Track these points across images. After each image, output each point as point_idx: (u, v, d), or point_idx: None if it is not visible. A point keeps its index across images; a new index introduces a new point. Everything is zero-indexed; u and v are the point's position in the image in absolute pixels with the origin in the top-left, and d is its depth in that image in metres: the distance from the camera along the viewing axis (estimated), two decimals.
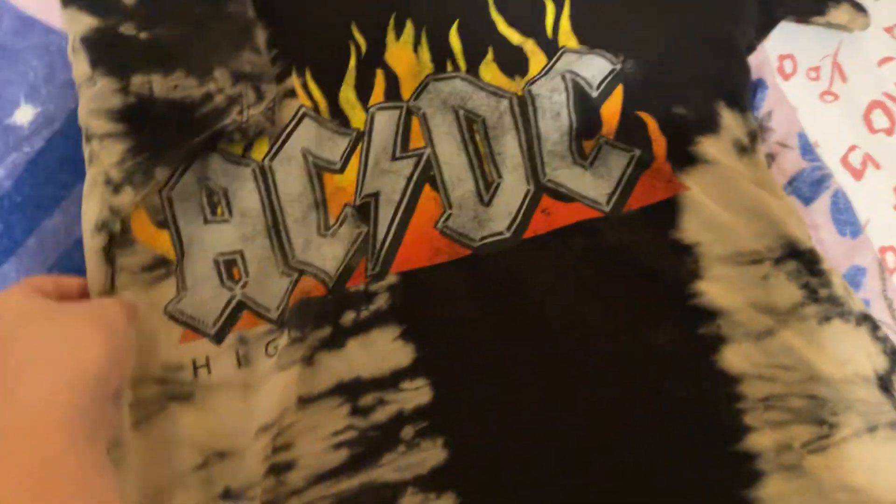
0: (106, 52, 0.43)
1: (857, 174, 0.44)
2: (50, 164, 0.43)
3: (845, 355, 0.39)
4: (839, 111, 0.45)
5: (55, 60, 0.45)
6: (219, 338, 0.40)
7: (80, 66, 0.43)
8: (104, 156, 0.40)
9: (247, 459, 0.37)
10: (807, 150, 0.44)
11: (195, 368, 0.39)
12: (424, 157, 0.43)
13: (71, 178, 0.43)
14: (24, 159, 0.43)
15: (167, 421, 0.38)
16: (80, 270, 0.40)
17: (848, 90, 0.45)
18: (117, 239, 0.40)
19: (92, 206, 0.40)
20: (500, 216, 0.42)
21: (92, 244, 0.40)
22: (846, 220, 0.42)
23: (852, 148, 0.44)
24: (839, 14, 0.45)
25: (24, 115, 0.44)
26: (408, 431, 0.38)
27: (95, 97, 0.42)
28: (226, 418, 0.38)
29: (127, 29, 0.43)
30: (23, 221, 0.42)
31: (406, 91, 0.44)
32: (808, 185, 0.43)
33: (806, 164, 0.44)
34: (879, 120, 0.45)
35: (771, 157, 0.44)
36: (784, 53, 0.46)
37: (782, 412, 0.38)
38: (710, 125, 0.43)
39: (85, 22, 0.43)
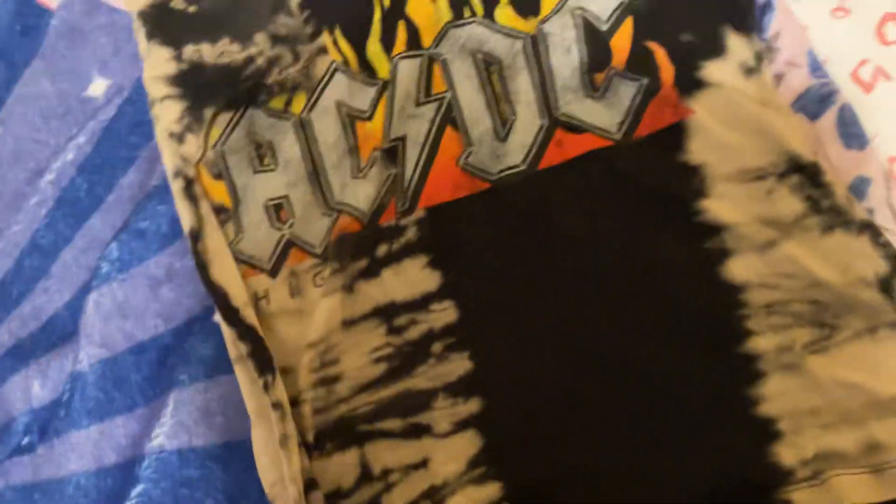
0: (159, 25, 0.48)
1: (868, 87, 0.44)
2: (122, 129, 0.49)
3: (847, 262, 0.40)
4: (851, 26, 0.45)
5: (120, 37, 0.51)
6: (273, 272, 0.45)
7: (142, 39, 0.49)
8: (164, 115, 0.46)
9: (298, 373, 0.43)
10: (815, 67, 0.45)
11: (257, 300, 0.45)
12: (446, 101, 0.46)
13: (140, 139, 0.49)
14: (101, 126, 0.49)
15: None
16: (152, 219, 0.46)
17: (860, 4, 0.45)
18: (195, 183, 0.46)
19: (167, 159, 0.46)
20: (516, 150, 0.45)
21: (174, 188, 0.46)
22: (853, 133, 0.43)
23: (863, 62, 0.45)
24: None
25: (98, 87, 0.51)
26: (437, 346, 0.43)
27: (153, 65, 0.47)
28: (284, 340, 0.44)
29: (177, 4, 0.49)
30: (103, 180, 0.48)
31: (426, 39, 0.47)
32: (815, 101, 0.44)
33: (814, 82, 0.45)
34: (893, 32, 0.45)
35: (779, 77, 0.45)
36: None
37: (784, 317, 0.40)
38: (716, 49, 0.44)
39: (141, 0, 0.48)
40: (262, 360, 0.42)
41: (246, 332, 0.43)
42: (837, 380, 0.39)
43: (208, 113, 0.46)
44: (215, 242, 0.45)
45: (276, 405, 0.41)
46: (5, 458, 0.45)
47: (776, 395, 0.39)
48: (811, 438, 0.39)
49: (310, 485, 0.41)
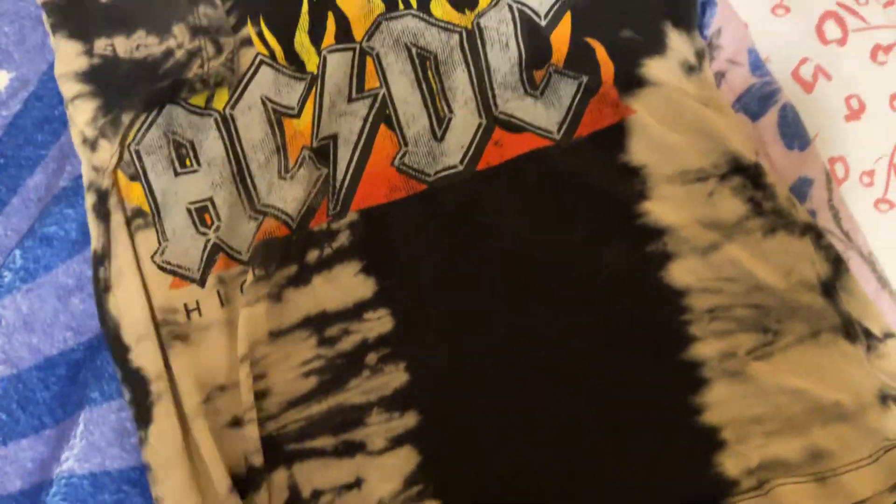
0: (67, 16, 0.43)
1: (808, 87, 0.42)
2: (27, 126, 0.43)
3: (790, 265, 0.38)
4: (791, 24, 0.43)
5: (25, 25, 0.45)
6: (202, 281, 0.41)
7: (50, 32, 0.43)
8: (77, 116, 0.41)
9: (241, 388, 0.38)
10: (757, 65, 0.42)
11: (188, 312, 0.40)
12: (380, 98, 0.42)
13: (48, 137, 0.43)
14: (3, 122, 0.43)
15: (177, 359, 0.39)
16: (60, 224, 0.41)
17: (800, 2, 0.43)
18: (110, 195, 0.41)
19: (83, 168, 0.41)
20: (453, 150, 0.41)
21: (86, 203, 0.41)
22: (794, 133, 0.41)
23: (803, 61, 0.42)
24: None
25: (0, 80, 0.45)
26: (371, 358, 0.39)
27: (62, 61, 0.42)
28: (218, 355, 0.40)
29: None
30: (6, 181, 0.42)
31: (358, 32, 0.43)
32: (757, 100, 0.42)
33: (755, 80, 0.42)
34: (832, 30, 0.43)
35: (720, 75, 0.43)
36: None
37: (727, 322, 0.38)
38: (657, 47, 0.41)
39: None
40: (141, 410, 0.38)
41: (130, 376, 0.38)
42: (781, 386, 0.37)
43: (126, 118, 0.41)
44: (123, 262, 0.40)
45: (146, 467, 0.37)
46: None
47: (720, 403, 0.37)
48: (755, 447, 0.36)
49: None
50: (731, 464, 0.36)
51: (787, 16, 0.43)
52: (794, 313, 0.38)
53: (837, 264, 0.38)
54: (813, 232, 0.39)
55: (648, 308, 0.38)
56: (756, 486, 0.36)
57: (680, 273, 0.39)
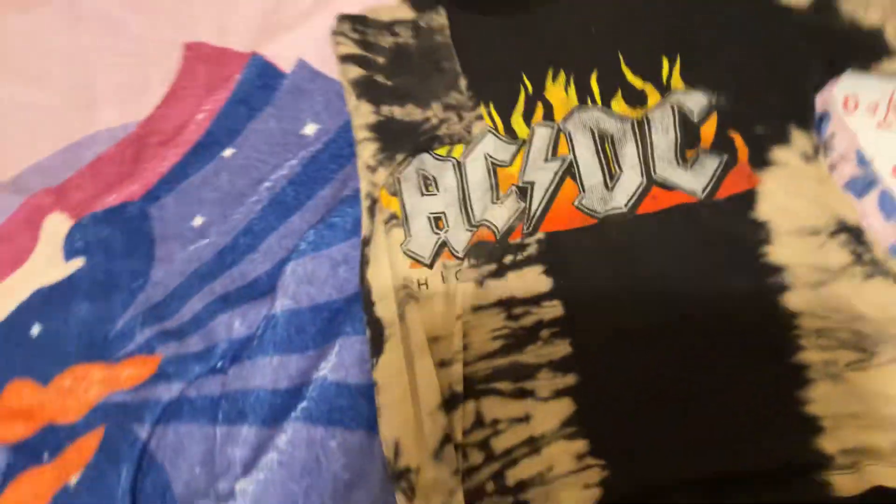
0: (366, 90, 0.63)
1: None
2: (324, 158, 0.62)
3: (885, 304, 0.47)
4: (892, 136, 0.55)
5: (330, 97, 0.65)
6: (431, 265, 0.56)
7: (351, 99, 0.63)
8: (363, 151, 0.59)
9: (452, 339, 0.52)
10: (862, 162, 0.54)
11: (419, 285, 0.55)
12: (568, 160, 0.58)
13: (337, 166, 0.62)
14: (309, 155, 0.63)
15: (411, 312, 0.53)
16: (342, 217, 0.58)
17: None
18: (377, 202, 0.58)
19: (362, 183, 0.59)
20: (620, 197, 0.55)
21: (362, 206, 0.58)
22: (891, 209, 0.51)
23: None
24: (893, 65, 0.56)
25: (311, 129, 0.65)
26: (545, 333, 0.51)
27: (359, 116, 0.61)
28: (435, 316, 0.53)
29: (379, 78, 0.63)
30: (306, 191, 0.61)
31: (558, 116, 0.59)
32: (861, 185, 0.53)
33: (860, 171, 0.53)
34: None
35: (832, 167, 0.54)
36: (849, 94, 0.57)
37: (831, 340, 0.47)
38: (783, 139, 0.54)
39: (354, 71, 0.63)
40: (375, 345, 0.52)
41: (372, 321, 0.53)
42: (876, 392, 0.45)
43: (399, 157, 0.59)
44: (379, 248, 0.56)
45: (374, 383, 0.51)
46: (202, 375, 0.54)
47: (822, 399, 0.45)
48: (851, 435, 0.44)
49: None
50: (828, 444, 0.44)
51: (891, 130, 0.55)
52: (888, 340, 0.46)
53: None
54: None
55: (767, 324, 0.48)
56: (850, 465, 0.43)
57: (794, 300, 0.49)
